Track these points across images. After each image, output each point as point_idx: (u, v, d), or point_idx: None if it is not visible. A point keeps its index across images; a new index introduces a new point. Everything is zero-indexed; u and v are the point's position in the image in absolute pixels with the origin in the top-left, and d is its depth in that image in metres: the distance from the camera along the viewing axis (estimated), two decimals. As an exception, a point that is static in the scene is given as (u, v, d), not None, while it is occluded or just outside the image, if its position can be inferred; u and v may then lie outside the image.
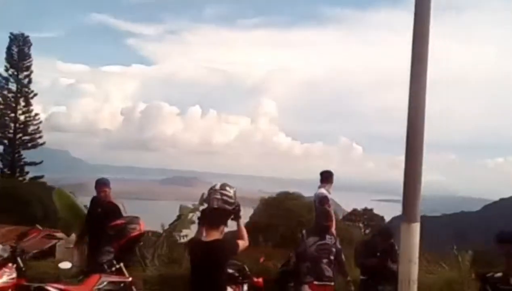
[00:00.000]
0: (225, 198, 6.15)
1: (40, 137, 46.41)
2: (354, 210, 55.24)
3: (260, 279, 8.33)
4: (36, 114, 47.23)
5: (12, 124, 46.19)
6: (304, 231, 8.81)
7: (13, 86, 48.32)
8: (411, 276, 5.72)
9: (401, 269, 5.81)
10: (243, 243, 6.03)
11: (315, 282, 7.94)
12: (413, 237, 5.92)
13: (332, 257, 8.09)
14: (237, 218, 6.23)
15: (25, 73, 48.79)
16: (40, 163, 44.78)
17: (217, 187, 6.26)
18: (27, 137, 46.15)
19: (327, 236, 8.24)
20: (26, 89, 48.45)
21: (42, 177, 45.79)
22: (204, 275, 5.72)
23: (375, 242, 8.84)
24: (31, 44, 50.21)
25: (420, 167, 5.97)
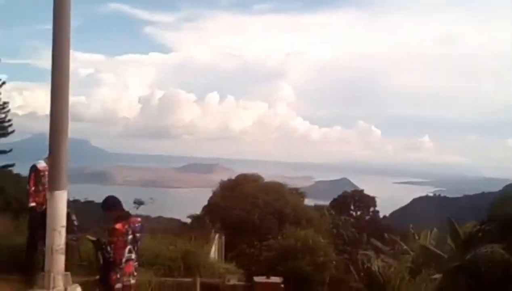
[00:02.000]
0: None
1: (10, 125, 46.20)
2: (345, 192, 54.74)
3: None
4: (5, 103, 47.13)
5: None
6: None
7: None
8: (54, 245, 5.80)
9: (47, 237, 5.89)
10: None
11: None
12: (57, 205, 6.00)
13: None
14: None
15: None
16: (10, 151, 44.49)
17: None
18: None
19: None
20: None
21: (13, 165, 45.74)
22: None
23: None
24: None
25: (65, 136, 6.36)
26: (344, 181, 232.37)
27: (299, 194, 36.68)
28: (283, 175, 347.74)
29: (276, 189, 32.76)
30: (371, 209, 52.12)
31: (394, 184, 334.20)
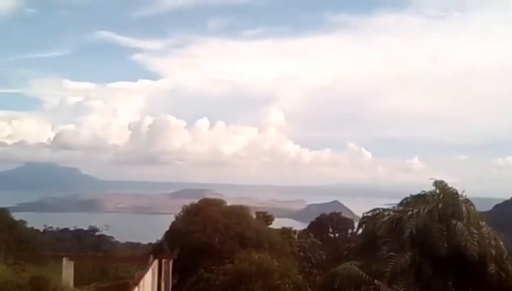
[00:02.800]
0: None
1: None
2: (323, 215, 54.98)
3: None
4: None
5: None
6: None
7: None
8: None
9: None
10: None
11: None
12: None
13: None
14: None
15: None
16: None
17: None
18: None
19: None
20: None
21: None
22: None
23: None
24: None
25: None
26: (335, 203, 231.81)
27: (266, 217, 36.74)
28: (275, 199, 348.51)
29: (239, 212, 33.03)
30: (349, 231, 52.18)
31: (385, 205, 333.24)
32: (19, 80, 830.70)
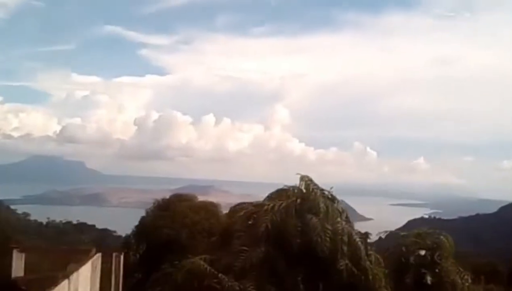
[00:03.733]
0: None
1: None
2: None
3: None
4: None
5: None
6: None
7: None
8: None
9: None
10: None
11: None
12: None
13: None
14: None
15: None
16: None
17: None
18: None
19: None
20: None
21: None
22: None
23: None
24: None
25: None
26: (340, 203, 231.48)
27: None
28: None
29: (209, 208, 32.89)
30: None
31: (390, 205, 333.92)
32: (27, 73, 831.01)
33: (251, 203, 17.18)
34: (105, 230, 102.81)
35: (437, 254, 18.85)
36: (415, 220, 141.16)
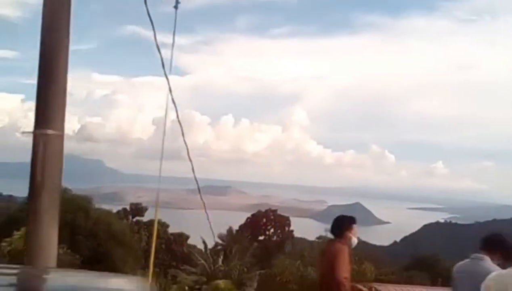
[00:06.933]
0: None
1: None
2: (258, 211, 54.88)
3: None
4: None
5: None
6: None
7: None
8: None
9: None
10: None
11: None
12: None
13: None
14: None
15: None
16: None
17: None
18: None
19: None
20: None
21: None
22: None
23: None
24: None
25: None
26: (357, 205, 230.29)
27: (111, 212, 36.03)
28: (297, 198, 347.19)
29: (82, 205, 30.14)
30: (286, 228, 52.19)
31: (408, 209, 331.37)
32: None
33: None
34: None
35: None
36: (430, 224, 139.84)
